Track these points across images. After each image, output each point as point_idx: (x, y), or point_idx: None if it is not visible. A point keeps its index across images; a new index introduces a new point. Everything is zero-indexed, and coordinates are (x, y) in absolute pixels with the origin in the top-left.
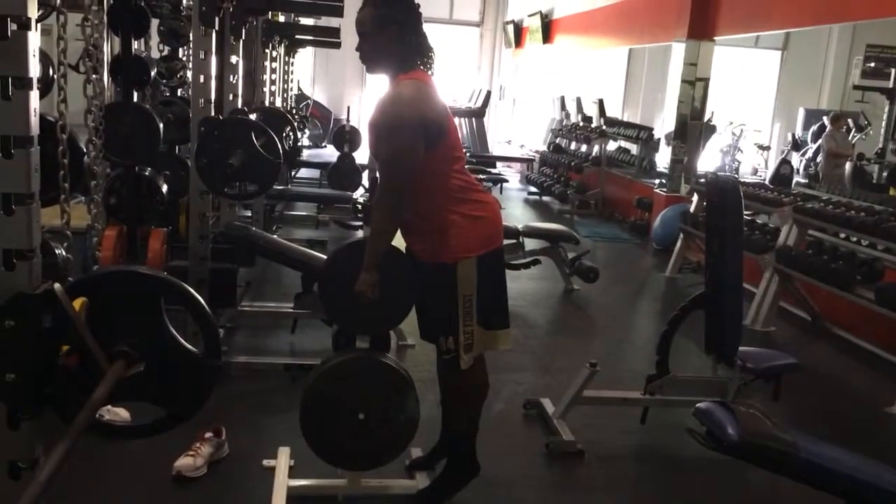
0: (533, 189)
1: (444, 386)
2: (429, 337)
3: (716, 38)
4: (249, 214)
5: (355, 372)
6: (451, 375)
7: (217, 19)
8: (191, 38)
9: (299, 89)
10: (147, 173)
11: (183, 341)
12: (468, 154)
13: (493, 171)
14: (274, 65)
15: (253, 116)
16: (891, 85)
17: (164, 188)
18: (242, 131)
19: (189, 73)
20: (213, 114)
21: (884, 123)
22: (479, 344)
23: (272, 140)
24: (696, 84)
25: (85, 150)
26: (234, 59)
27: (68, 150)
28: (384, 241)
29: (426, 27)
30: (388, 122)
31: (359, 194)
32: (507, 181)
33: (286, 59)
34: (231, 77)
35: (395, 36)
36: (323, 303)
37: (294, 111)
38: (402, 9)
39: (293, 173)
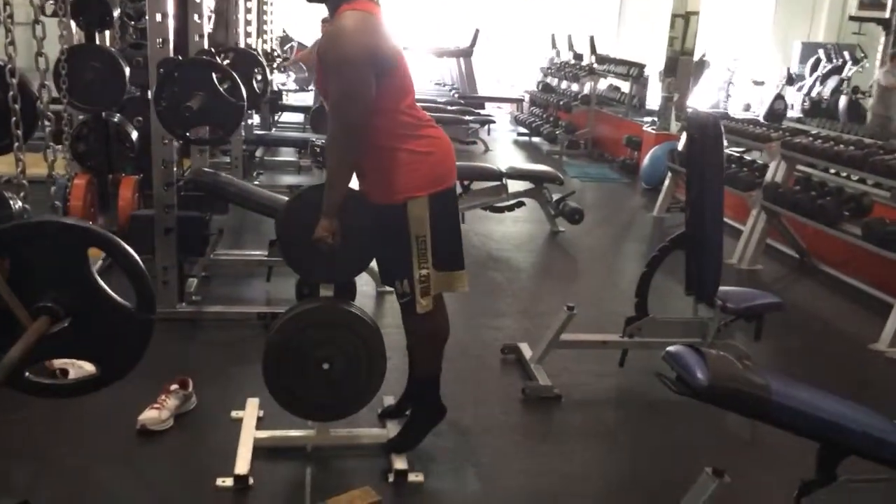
0: (522, 130)
1: (406, 331)
2: (387, 281)
3: None
4: (228, 160)
5: (317, 321)
6: (409, 319)
7: None
8: None
9: (284, 32)
10: (116, 119)
11: (113, 295)
12: (455, 94)
13: (481, 111)
14: (249, 4)
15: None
16: (888, 14)
17: (134, 134)
18: (203, 73)
19: None
20: (173, 55)
21: (878, 55)
22: (435, 287)
23: (235, 82)
24: (686, 18)
25: (38, 95)
26: None
27: (19, 96)
28: (341, 184)
29: None
30: (335, 59)
31: (316, 136)
32: (494, 122)
33: None
34: (195, 16)
35: None
36: (281, 252)
37: (275, 53)
38: None
39: (276, 117)
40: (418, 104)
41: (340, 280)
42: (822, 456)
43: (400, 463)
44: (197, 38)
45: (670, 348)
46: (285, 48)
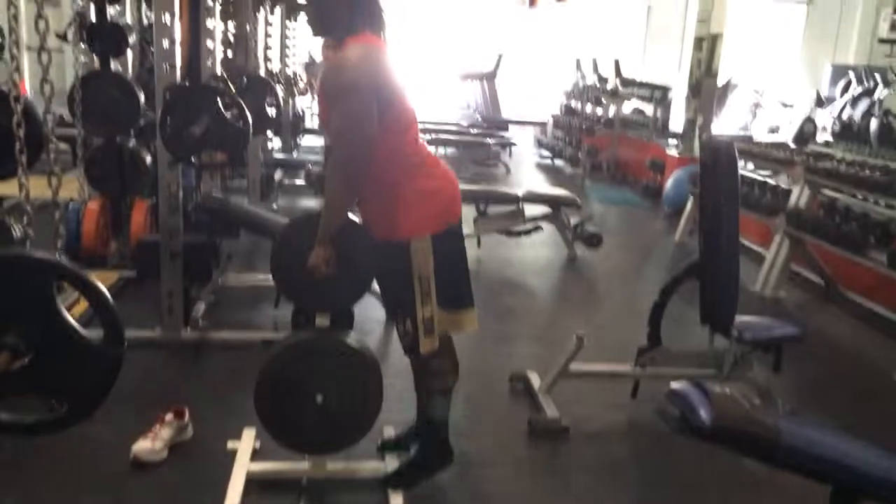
0: (545, 153)
1: (413, 370)
2: (391, 319)
3: None
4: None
5: (311, 352)
6: (414, 360)
7: None
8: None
9: (310, 57)
10: (130, 145)
11: (80, 329)
12: (479, 117)
13: (504, 134)
14: (271, 30)
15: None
16: None
17: (149, 159)
18: (208, 98)
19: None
20: (185, 80)
21: None
22: (440, 327)
23: (241, 108)
24: (710, 40)
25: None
26: (210, 23)
27: (24, 121)
28: (338, 215)
29: None
30: (338, 88)
31: (312, 160)
32: (515, 145)
33: (286, 23)
34: (208, 42)
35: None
36: (275, 279)
37: (298, 78)
38: None
39: (298, 140)
40: (440, 126)
41: (335, 309)
42: (834, 501)
43: (396, 499)
44: (209, 64)
45: (674, 385)
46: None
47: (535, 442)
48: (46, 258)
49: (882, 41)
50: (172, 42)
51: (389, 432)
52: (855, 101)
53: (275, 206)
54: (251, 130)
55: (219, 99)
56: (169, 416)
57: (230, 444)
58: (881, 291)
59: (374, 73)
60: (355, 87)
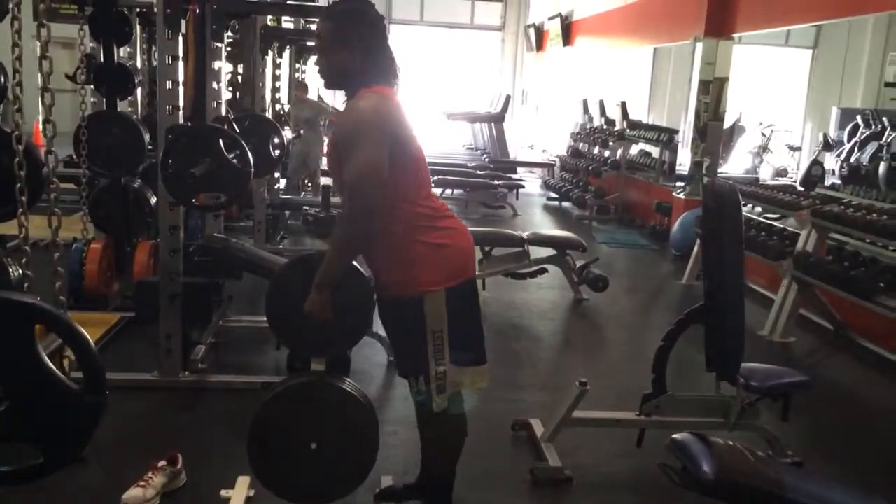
0: (552, 195)
1: (420, 429)
2: (402, 375)
3: (734, 35)
4: (252, 224)
5: (304, 398)
6: (422, 418)
7: (198, 23)
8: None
9: (319, 97)
10: (136, 185)
11: (60, 374)
12: (486, 159)
13: (512, 176)
14: (278, 71)
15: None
16: None
17: (153, 200)
18: (209, 139)
19: None
20: (189, 121)
21: None
22: (452, 384)
23: (242, 149)
24: (716, 83)
25: (44, 160)
26: (217, 64)
27: (25, 162)
28: (343, 265)
29: (448, 33)
30: (351, 136)
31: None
32: (522, 187)
33: (296, 65)
34: (214, 83)
35: (356, 52)
36: (269, 323)
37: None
38: (365, 24)
39: (305, 181)
40: (447, 167)
41: (331, 354)
42: None
43: None
44: (215, 105)
45: (676, 436)
46: None
47: (538, 492)
48: (24, 300)
49: (889, 85)
50: (175, 83)
51: (388, 481)
52: (863, 145)
53: (280, 247)
54: (252, 171)
55: (221, 140)
56: (162, 463)
57: (223, 493)
58: (893, 337)
59: (386, 124)
60: (367, 136)
